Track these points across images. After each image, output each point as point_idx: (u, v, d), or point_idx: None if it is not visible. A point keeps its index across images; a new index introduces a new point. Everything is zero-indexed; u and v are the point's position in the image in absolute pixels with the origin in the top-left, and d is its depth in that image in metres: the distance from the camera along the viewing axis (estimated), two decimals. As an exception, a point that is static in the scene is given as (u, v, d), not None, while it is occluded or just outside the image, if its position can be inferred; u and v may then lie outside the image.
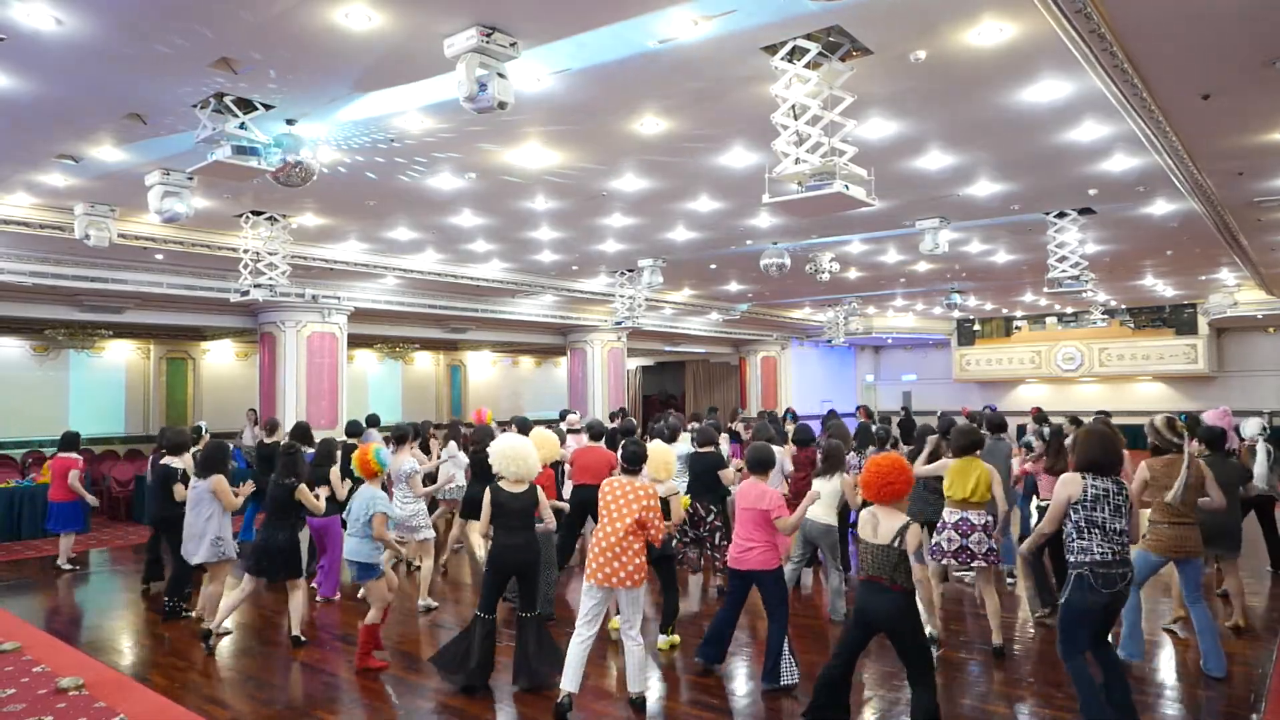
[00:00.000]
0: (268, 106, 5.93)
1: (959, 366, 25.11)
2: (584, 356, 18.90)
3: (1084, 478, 4.42)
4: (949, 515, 6.07)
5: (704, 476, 7.36)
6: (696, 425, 9.19)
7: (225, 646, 6.45)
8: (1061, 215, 9.78)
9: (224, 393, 16.87)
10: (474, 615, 5.57)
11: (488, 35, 4.71)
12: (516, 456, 5.43)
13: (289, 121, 6.25)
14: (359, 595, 6.51)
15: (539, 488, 5.57)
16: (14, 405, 14.29)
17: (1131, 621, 5.64)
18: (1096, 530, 4.33)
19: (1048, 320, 23.61)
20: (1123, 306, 21.60)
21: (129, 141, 6.71)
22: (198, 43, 4.94)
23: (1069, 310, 22.53)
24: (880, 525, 4.47)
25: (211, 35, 4.86)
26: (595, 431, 8.07)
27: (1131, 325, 22.13)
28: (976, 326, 24.72)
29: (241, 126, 5.80)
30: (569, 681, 4.96)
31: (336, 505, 7.32)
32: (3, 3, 4.41)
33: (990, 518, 6.02)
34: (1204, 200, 9.21)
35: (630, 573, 4.96)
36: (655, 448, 6.17)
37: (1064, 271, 9.77)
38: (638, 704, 5.08)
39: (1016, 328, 24.26)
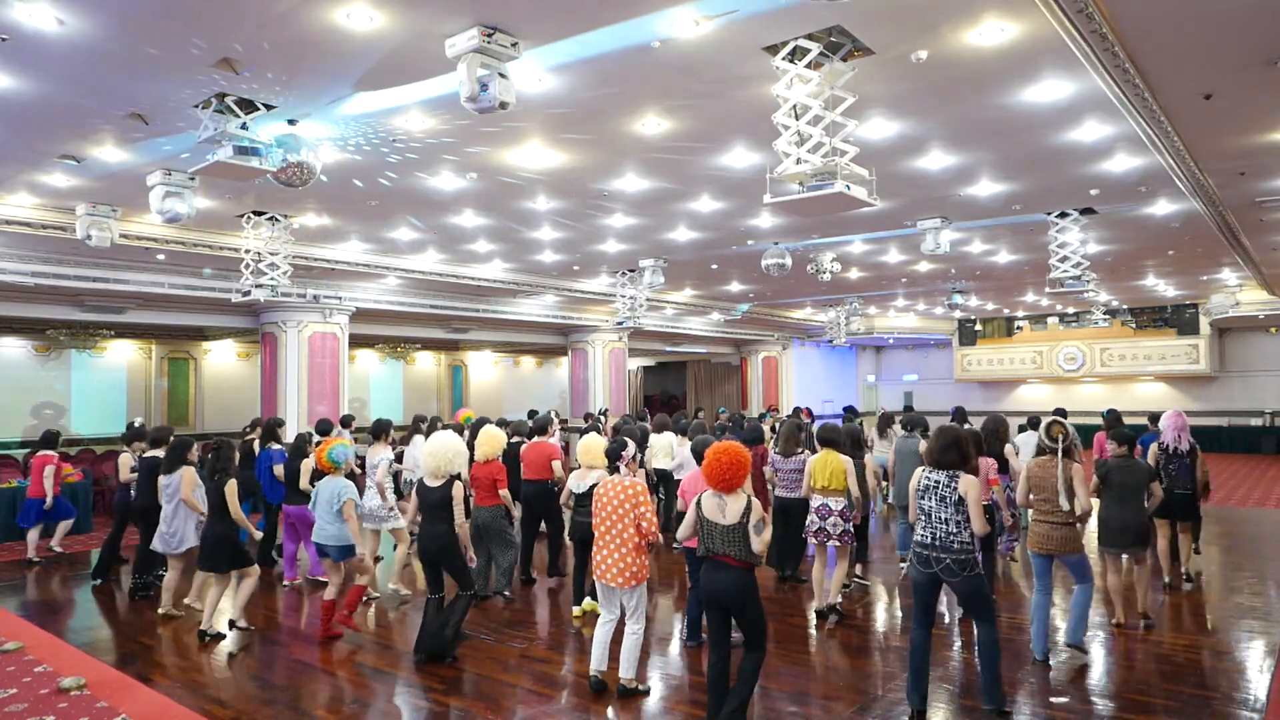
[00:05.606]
0: (269, 107, 5.93)
1: (960, 367, 25.10)
2: (585, 357, 18.91)
3: (922, 469, 4.93)
4: (813, 501, 6.89)
5: None
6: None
7: (225, 645, 6.45)
8: (1063, 215, 9.78)
9: (225, 393, 16.89)
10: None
11: (489, 36, 4.72)
12: (432, 454, 6.03)
13: (290, 122, 6.25)
14: (349, 577, 6.75)
15: (456, 482, 6.02)
16: (16, 405, 14.32)
17: (1039, 619, 5.76)
18: (924, 516, 4.83)
19: (1049, 320, 23.60)
20: (1124, 306, 21.59)
21: (131, 142, 6.72)
22: (199, 43, 4.95)
23: (1071, 310, 22.53)
24: (728, 507, 4.55)
25: (213, 35, 4.86)
26: (538, 427, 8.69)
27: (1133, 325, 22.12)
28: (978, 327, 24.70)
29: (243, 127, 5.80)
30: (595, 662, 5.35)
31: (305, 496, 7.78)
32: (5, 3, 4.42)
33: (846, 504, 6.81)
34: (1206, 200, 9.21)
35: (621, 570, 5.11)
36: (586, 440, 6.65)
37: (1066, 272, 9.77)
38: (624, 691, 5.26)
39: (1018, 328, 24.25)
